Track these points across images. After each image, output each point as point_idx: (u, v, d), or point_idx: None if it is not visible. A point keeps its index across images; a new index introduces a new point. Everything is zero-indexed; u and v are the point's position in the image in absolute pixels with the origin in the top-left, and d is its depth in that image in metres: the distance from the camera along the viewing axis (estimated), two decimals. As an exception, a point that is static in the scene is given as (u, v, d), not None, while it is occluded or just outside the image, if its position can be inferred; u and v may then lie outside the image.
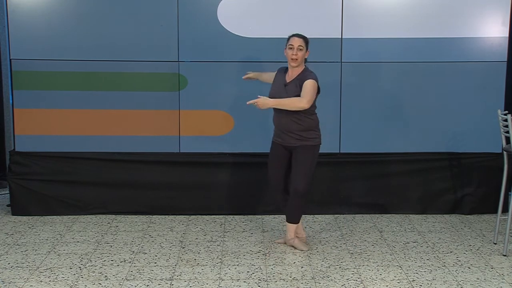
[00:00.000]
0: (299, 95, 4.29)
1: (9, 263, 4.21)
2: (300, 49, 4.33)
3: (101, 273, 4.05)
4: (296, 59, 4.33)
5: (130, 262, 4.25)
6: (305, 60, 4.44)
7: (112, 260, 4.28)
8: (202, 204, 5.35)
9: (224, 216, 5.33)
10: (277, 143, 4.52)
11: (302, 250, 4.49)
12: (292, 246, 4.56)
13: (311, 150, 4.44)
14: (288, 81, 4.39)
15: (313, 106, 4.39)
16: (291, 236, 4.57)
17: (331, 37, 5.21)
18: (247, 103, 4.33)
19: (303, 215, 5.30)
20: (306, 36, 4.40)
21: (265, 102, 4.31)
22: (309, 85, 4.28)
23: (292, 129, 4.38)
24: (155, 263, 4.24)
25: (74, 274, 4.02)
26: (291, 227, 4.57)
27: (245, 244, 4.63)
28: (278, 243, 4.65)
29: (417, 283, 3.90)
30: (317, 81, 4.32)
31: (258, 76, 4.74)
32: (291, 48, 4.34)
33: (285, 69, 4.49)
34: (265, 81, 4.68)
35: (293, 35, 4.39)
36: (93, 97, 5.24)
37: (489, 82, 5.28)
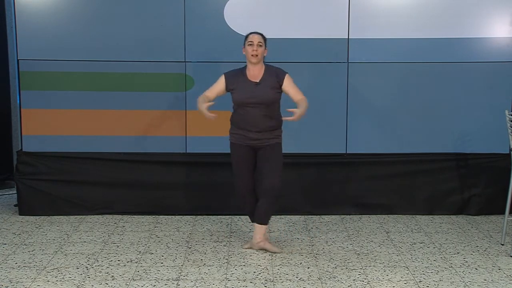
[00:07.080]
0: (275, 90, 4.32)
1: (16, 263, 4.22)
2: (259, 45, 4.32)
3: (107, 273, 4.05)
4: (257, 55, 4.31)
5: (136, 262, 4.25)
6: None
7: (118, 260, 4.29)
8: (209, 204, 5.36)
9: (231, 216, 5.33)
10: (245, 145, 4.40)
11: (275, 252, 4.38)
12: (263, 249, 4.42)
13: (280, 147, 4.41)
14: (257, 80, 4.35)
15: (279, 104, 4.41)
16: (260, 239, 4.42)
17: (338, 37, 5.20)
18: (289, 119, 4.16)
19: (309, 216, 5.32)
20: (264, 34, 4.39)
21: (302, 113, 4.18)
22: (292, 82, 4.36)
23: (268, 128, 4.34)
24: (162, 263, 4.24)
25: (81, 274, 4.03)
26: (260, 229, 4.41)
27: (251, 245, 4.62)
28: (246, 248, 4.48)
29: (424, 284, 3.89)
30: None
31: (208, 100, 4.38)
32: (250, 44, 4.33)
33: (237, 73, 4.40)
34: (215, 97, 4.43)
35: (251, 33, 4.37)
36: (100, 98, 5.25)
37: (496, 82, 5.27)
